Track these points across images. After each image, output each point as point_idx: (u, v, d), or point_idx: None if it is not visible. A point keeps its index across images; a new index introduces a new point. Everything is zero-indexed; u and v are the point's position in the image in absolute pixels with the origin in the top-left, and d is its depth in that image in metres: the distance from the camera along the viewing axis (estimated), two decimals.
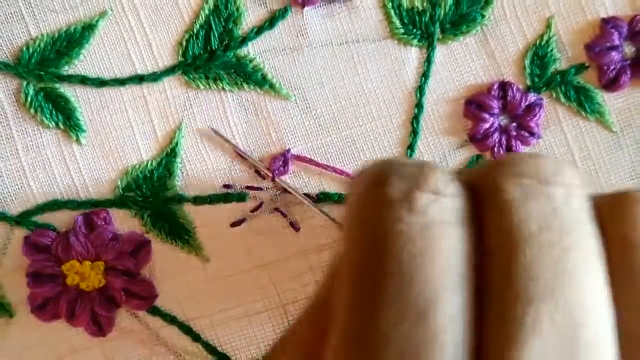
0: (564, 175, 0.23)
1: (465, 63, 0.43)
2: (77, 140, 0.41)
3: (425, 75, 0.42)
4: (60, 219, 0.41)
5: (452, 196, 0.22)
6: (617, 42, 0.43)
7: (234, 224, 0.42)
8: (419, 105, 0.43)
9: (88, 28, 0.41)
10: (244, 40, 0.41)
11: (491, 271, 0.21)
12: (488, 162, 0.27)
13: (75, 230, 0.41)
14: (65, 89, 0.41)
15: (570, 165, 0.24)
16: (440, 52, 0.43)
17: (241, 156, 0.41)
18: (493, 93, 0.42)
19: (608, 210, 0.23)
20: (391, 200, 0.22)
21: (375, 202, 0.22)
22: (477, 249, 0.22)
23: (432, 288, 0.21)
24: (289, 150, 0.42)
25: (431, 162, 0.25)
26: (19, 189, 0.41)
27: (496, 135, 0.43)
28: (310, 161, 0.42)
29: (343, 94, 0.42)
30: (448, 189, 0.22)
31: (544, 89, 0.43)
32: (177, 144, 0.42)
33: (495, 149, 0.43)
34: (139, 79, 0.41)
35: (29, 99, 0.41)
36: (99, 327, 0.41)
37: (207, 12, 0.41)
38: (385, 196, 0.22)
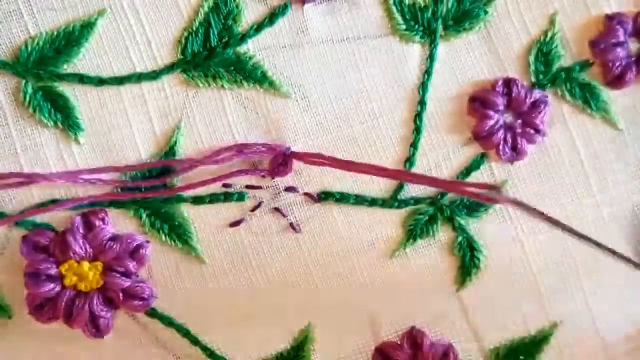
0: None
1: (469, 60, 0.42)
2: (76, 139, 0.41)
3: (427, 72, 0.42)
4: (59, 219, 0.41)
5: None
6: (622, 38, 0.42)
7: (233, 224, 0.41)
8: (421, 103, 0.42)
9: (87, 26, 0.40)
10: (244, 37, 0.41)
11: None
12: None
13: (73, 230, 0.40)
14: (64, 88, 0.41)
15: None
16: (443, 48, 0.42)
17: None
18: (497, 90, 0.42)
19: None
20: None
21: None
22: None
23: None
24: (288, 148, 0.41)
25: None
26: (17, 188, 0.41)
27: (501, 133, 0.42)
28: (313, 158, 0.41)
29: (344, 91, 0.42)
30: None
31: (548, 85, 0.43)
32: (176, 142, 0.41)
33: (501, 147, 0.42)
34: (138, 77, 0.41)
35: (27, 97, 0.40)
36: (97, 329, 0.40)
37: (206, 9, 0.41)
38: None
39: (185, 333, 0.41)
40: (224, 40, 0.41)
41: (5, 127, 0.41)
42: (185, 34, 0.41)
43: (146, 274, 0.41)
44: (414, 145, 0.42)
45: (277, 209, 0.42)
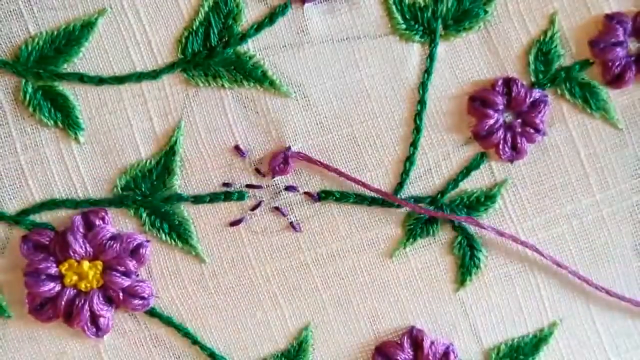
0: None
1: (468, 59, 0.42)
2: (76, 138, 0.41)
3: (427, 71, 0.42)
4: (59, 218, 0.41)
5: None
6: (621, 37, 0.42)
7: (233, 223, 0.41)
8: (421, 102, 0.42)
9: (87, 26, 0.40)
10: (244, 37, 0.41)
11: None
12: None
13: (73, 230, 0.40)
14: (64, 87, 0.41)
15: None
16: (443, 48, 0.42)
17: None
18: (497, 89, 0.42)
19: None
20: None
21: None
22: None
23: None
24: (289, 148, 0.41)
25: None
26: (17, 187, 0.41)
27: (501, 132, 0.42)
28: (310, 160, 0.41)
29: (344, 90, 0.42)
30: None
31: (548, 85, 0.43)
32: (176, 142, 0.41)
33: (500, 146, 0.42)
34: (138, 76, 0.41)
35: (27, 97, 0.40)
36: (97, 328, 0.40)
37: (206, 8, 0.41)
38: None
39: (185, 332, 0.41)
40: (224, 39, 0.41)
41: (6, 126, 0.41)
42: (186, 33, 0.41)
43: (146, 273, 0.41)
44: (413, 144, 0.42)
45: (277, 208, 0.42)
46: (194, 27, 0.41)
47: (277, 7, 0.41)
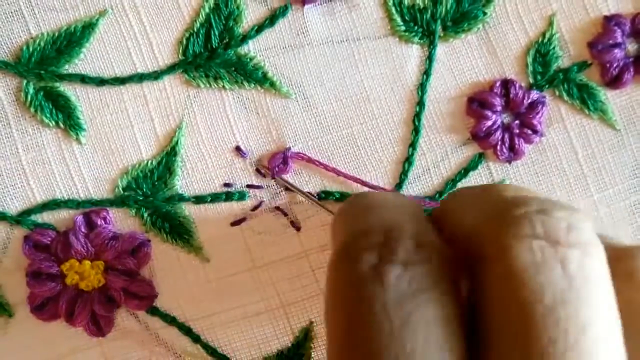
0: (578, 232, 0.21)
1: (467, 61, 0.43)
2: (77, 139, 0.41)
3: (426, 73, 0.42)
4: (60, 219, 0.41)
5: (422, 262, 0.22)
6: (619, 39, 0.43)
7: (234, 223, 0.42)
8: (420, 103, 0.42)
9: (88, 27, 0.41)
10: (245, 38, 0.41)
11: (497, 345, 0.21)
12: (488, 211, 0.24)
13: (75, 230, 0.40)
14: (65, 88, 0.41)
15: (581, 216, 0.22)
16: (442, 49, 0.42)
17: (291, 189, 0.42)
18: (495, 90, 0.42)
19: (615, 268, 0.22)
20: (363, 279, 0.22)
21: (348, 280, 0.22)
22: (463, 302, 0.22)
23: None
24: (289, 149, 0.42)
25: (398, 225, 0.24)
26: (18, 188, 0.41)
27: (499, 133, 0.42)
28: (310, 160, 0.42)
29: (344, 92, 0.42)
30: (417, 256, 0.22)
31: (546, 86, 0.43)
32: (177, 142, 0.41)
33: (498, 147, 0.42)
34: (139, 77, 0.41)
35: (29, 97, 0.40)
36: (98, 327, 0.41)
37: (207, 10, 0.41)
38: (356, 274, 0.22)
39: (186, 331, 0.42)
40: (225, 41, 0.41)
41: (7, 127, 0.41)
42: (187, 34, 0.41)
43: (148, 272, 0.42)
44: (412, 145, 0.42)
45: (277, 208, 0.42)
46: (195, 29, 0.41)
47: (278, 9, 0.41)
